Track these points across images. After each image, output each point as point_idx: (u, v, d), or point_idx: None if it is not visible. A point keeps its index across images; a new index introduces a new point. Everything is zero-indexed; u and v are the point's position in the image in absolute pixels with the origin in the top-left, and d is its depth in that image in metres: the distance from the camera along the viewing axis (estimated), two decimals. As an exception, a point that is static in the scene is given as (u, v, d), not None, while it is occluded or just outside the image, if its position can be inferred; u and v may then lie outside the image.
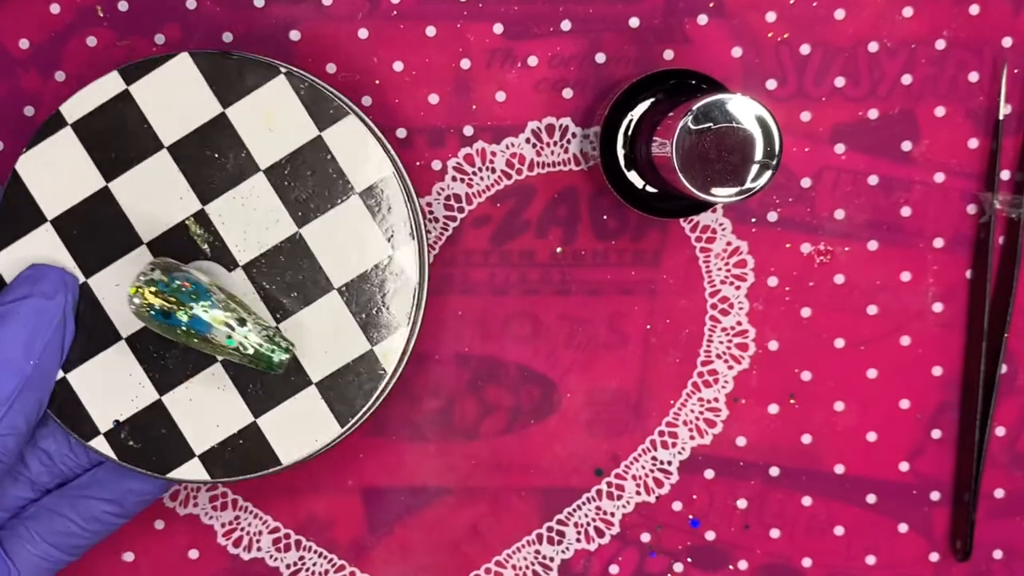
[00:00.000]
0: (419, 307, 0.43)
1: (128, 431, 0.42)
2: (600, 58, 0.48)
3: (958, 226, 0.49)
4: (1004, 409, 0.50)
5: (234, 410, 0.42)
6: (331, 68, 0.48)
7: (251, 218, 0.42)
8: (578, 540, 0.50)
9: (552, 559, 0.50)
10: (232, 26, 0.48)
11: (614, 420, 0.50)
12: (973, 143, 0.49)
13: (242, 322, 0.39)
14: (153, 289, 0.39)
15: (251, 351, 0.40)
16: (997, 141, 0.48)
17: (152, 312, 0.39)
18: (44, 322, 0.41)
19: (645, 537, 0.50)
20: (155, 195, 0.41)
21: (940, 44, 0.48)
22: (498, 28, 0.48)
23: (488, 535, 0.50)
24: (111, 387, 0.42)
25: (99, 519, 0.44)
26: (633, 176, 0.44)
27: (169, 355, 0.42)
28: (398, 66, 0.48)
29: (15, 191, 0.41)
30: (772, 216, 0.49)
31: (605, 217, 0.49)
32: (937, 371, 0.50)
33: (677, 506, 0.50)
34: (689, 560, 0.50)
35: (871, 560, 0.50)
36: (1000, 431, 0.50)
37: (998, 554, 0.50)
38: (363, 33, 0.48)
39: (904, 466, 0.50)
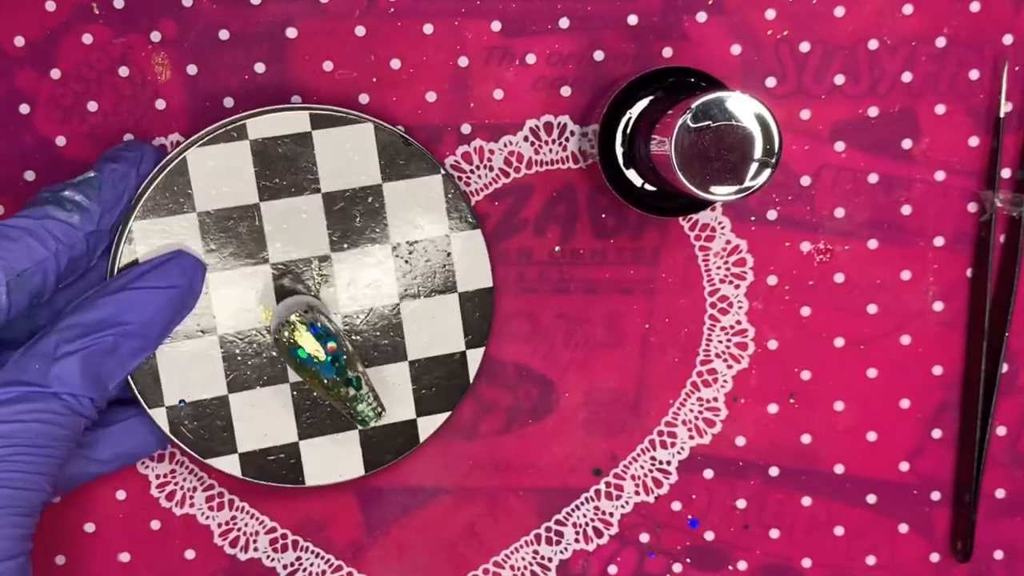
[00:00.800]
0: (464, 399, 0.48)
1: (188, 412, 0.46)
2: (599, 56, 0.48)
3: (959, 224, 0.49)
4: (1005, 408, 0.49)
5: (284, 426, 0.46)
6: (328, 66, 0.48)
7: (365, 278, 0.46)
8: (576, 540, 0.50)
9: (550, 559, 0.50)
10: (228, 23, 0.47)
11: (613, 420, 0.50)
12: (974, 141, 0.48)
13: (359, 378, 0.43)
14: (305, 332, 0.42)
15: (356, 406, 0.44)
16: (998, 139, 0.48)
17: (293, 348, 0.42)
18: (183, 311, 0.45)
19: (644, 537, 0.50)
20: (294, 228, 0.45)
21: (940, 42, 0.48)
22: (496, 26, 0.48)
23: (486, 535, 0.50)
24: (189, 371, 0.45)
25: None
26: (632, 174, 0.43)
27: (252, 362, 0.46)
28: (395, 64, 0.48)
29: (177, 174, 0.44)
30: (772, 214, 0.49)
31: (604, 216, 0.49)
32: (937, 370, 0.49)
33: (676, 506, 0.50)
34: (688, 560, 0.50)
35: (871, 560, 0.50)
36: (1001, 431, 0.50)
37: (999, 554, 0.50)
38: (360, 30, 0.48)
39: (904, 466, 0.50)
